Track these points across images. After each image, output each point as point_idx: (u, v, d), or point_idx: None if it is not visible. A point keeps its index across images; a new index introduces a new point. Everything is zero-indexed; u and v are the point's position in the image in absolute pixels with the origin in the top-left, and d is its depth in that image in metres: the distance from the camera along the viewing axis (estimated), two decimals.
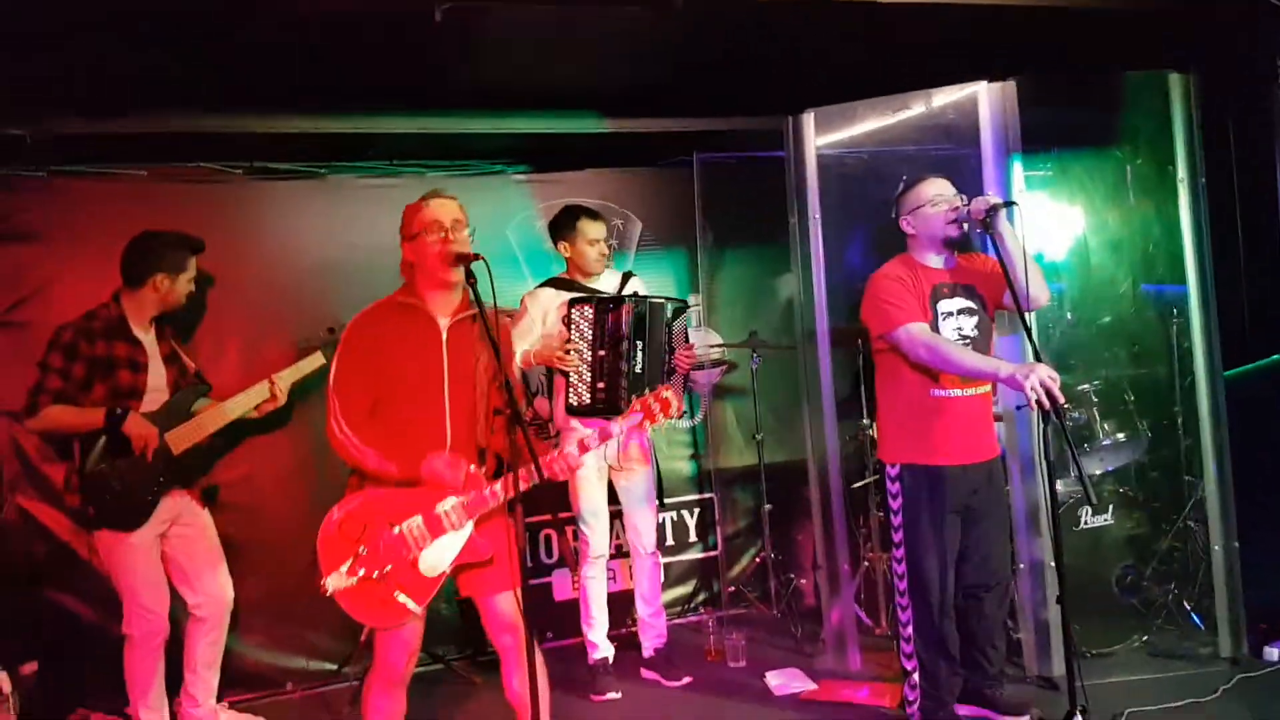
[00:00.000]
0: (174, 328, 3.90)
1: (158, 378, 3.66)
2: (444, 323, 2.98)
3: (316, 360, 3.99)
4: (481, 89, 4.31)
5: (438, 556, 2.85)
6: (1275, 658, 3.89)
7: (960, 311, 3.46)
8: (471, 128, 4.60)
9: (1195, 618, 4.14)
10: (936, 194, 3.43)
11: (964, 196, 3.41)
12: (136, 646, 3.64)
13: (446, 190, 3.06)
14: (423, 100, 4.38)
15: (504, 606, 2.95)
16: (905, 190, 3.52)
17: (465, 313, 3.01)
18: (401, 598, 2.83)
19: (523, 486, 2.74)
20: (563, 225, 4.25)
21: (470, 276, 2.83)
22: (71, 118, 3.96)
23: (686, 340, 4.33)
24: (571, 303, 4.08)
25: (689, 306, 4.42)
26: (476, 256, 2.84)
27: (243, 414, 3.78)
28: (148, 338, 3.70)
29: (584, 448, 2.89)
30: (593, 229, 4.20)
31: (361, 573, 2.82)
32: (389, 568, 2.83)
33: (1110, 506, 4.20)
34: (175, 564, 3.75)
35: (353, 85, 4.13)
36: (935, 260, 3.50)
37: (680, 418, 3.95)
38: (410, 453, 2.87)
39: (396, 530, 2.85)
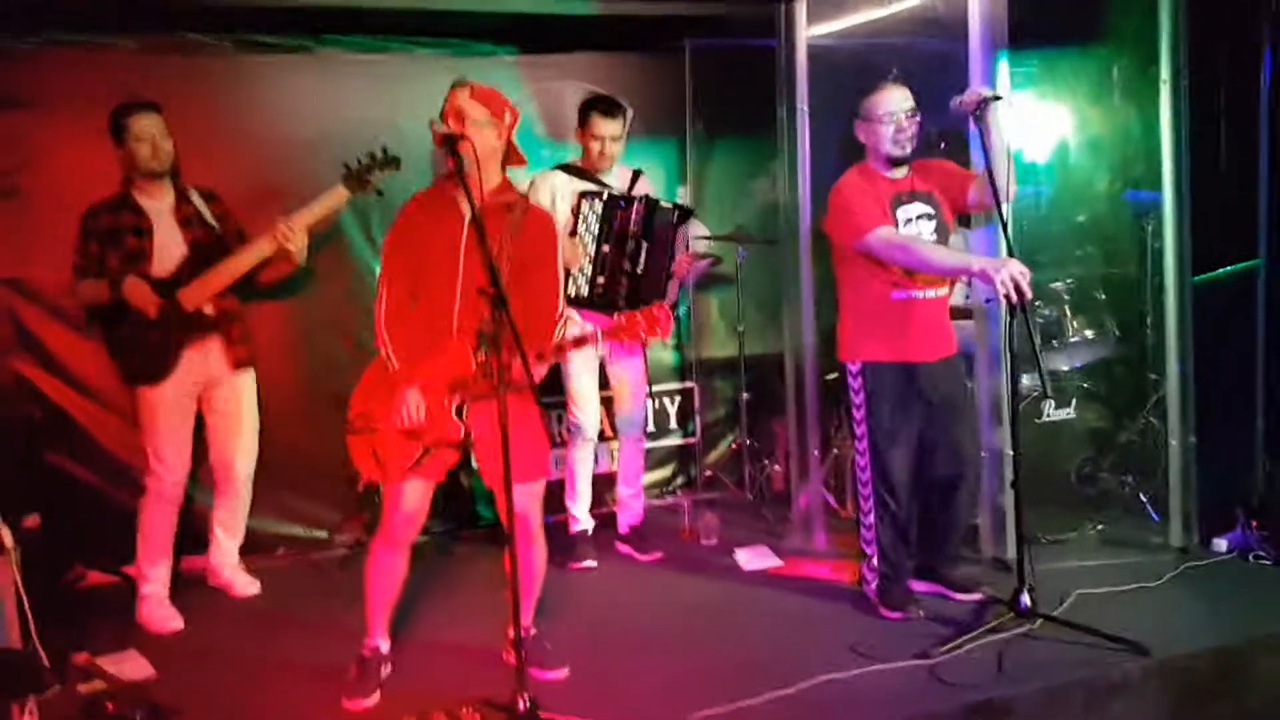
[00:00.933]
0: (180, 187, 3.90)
1: (170, 241, 3.77)
2: (469, 210, 2.96)
3: (336, 195, 3.84)
4: None
5: (420, 428, 2.96)
6: (1223, 549, 4.07)
7: (919, 217, 3.54)
8: (462, 5, 4.54)
9: (1150, 509, 4.32)
10: (887, 112, 3.46)
11: (917, 111, 3.45)
12: (149, 501, 3.83)
13: (431, 71, 3.09)
14: None
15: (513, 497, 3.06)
16: (868, 95, 3.55)
17: (496, 199, 3.03)
18: (380, 457, 2.98)
19: (509, 379, 2.80)
20: (580, 115, 4.24)
21: (454, 157, 2.85)
22: None
23: (688, 247, 4.39)
24: (582, 195, 4.13)
25: (693, 213, 4.46)
26: (461, 136, 2.87)
27: (247, 268, 3.80)
28: (160, 204, 3.79)
29: (564, 349, 2.98)
30: (601, 125, 4.16)
31: (363, 424, 3.00)
32: (382, 427, 2.98)
33: (1074, 401, 4.34)
34: (207, 424, 3.94)
35: None
36: (892, 169, 3.56)
37: (668, 336, 4.04)
38: (420, 338, 2.98)
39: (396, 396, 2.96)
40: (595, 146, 4.18)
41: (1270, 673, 3.26)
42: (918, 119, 3.47)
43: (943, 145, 3.67)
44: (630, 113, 4.22)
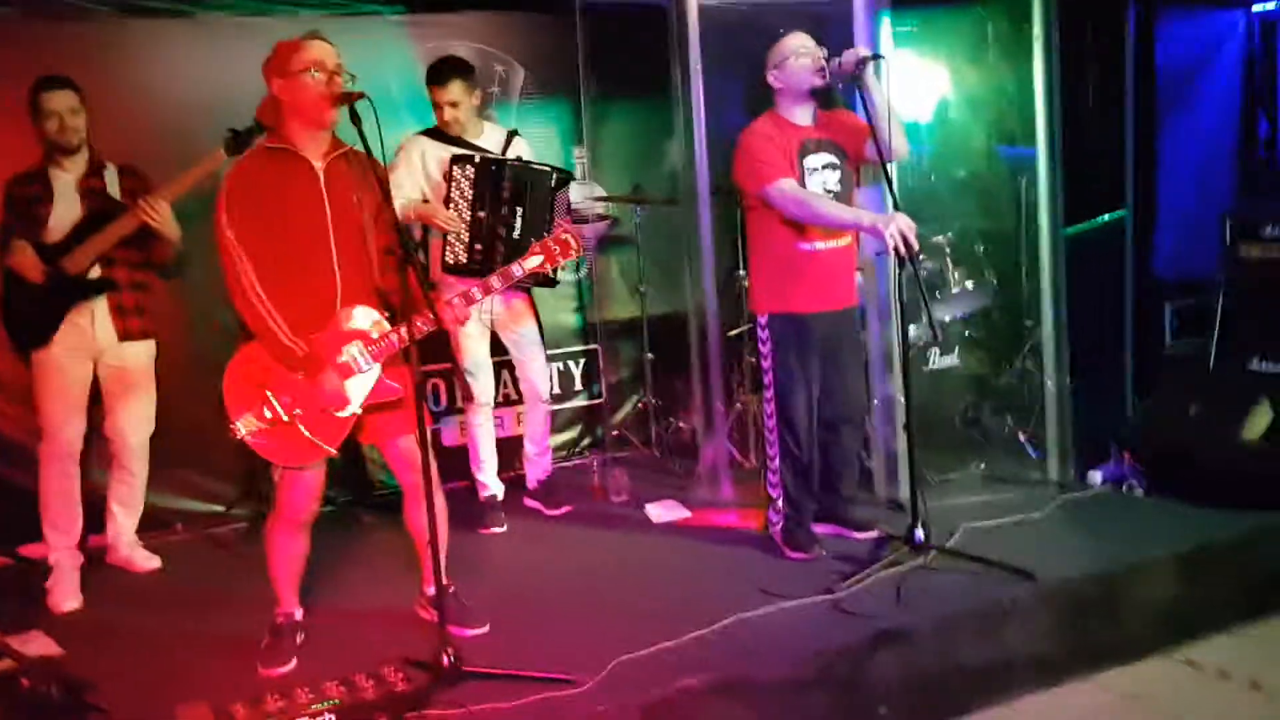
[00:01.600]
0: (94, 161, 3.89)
1: (68, 209, 3.78)
2: (319, 165, 2.97)
3: (215, 160, 3.77)
4: None
5: (348, 397, 2.93)
6: (1098, 481, 4.32)
7: (825, 166, 3.65)
8: None
9: (1029, 447, 4.57)
10: (799, 45, 3.57)
11: (825, 49, 3.55)
12: (42, 465, 3.83)
13: (322, 33, 3.04)
14: None
15: (405, 447, 3.05)
16: (773, 45, 3.64)
17: (336, 152, 3.00)
18: (313, 439, 2.91)
19: (420, 331, 2.86)
20: (430, 78, 4.15)
21: (355, 117, 2.84)
22: None
23: (569, 210, 4.39)
24: (454, 160, 4.06)
25: (572, 177, 4.45)
26: (361, 95, 2.85)
27: (120, 236, 3.78)
28: (67, 175, 3.82)
29: (470, 299, 2.97)
30: (437, 93, 4.08)
31: (270, 416, 2.89)
32: (299, 411, 2.90)
33: (957, 348, 4.55)
34: (102, 397, 3.93)
35: None
36: (802, 116, 3.65)
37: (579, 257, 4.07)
38: (302, 312, 2.89)
39: (301, 375, 2.90)
40: (436, 114, 4.14)
41: (1144, 594, 3.51)
42: (825, 53, 3.55)
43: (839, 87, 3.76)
44: (518, 75, 4.18)
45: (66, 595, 3.72)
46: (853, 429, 3.91)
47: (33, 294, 3.72)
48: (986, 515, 3.95)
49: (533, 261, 3.02)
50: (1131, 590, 3.50)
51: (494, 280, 3.02)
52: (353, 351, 2.91)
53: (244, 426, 2.89)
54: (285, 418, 2.89)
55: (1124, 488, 4.26)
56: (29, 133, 3.80)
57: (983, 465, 4.52)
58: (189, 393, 4.32)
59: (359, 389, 2.95)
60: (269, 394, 2.89)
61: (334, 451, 2.97)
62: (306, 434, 2.90)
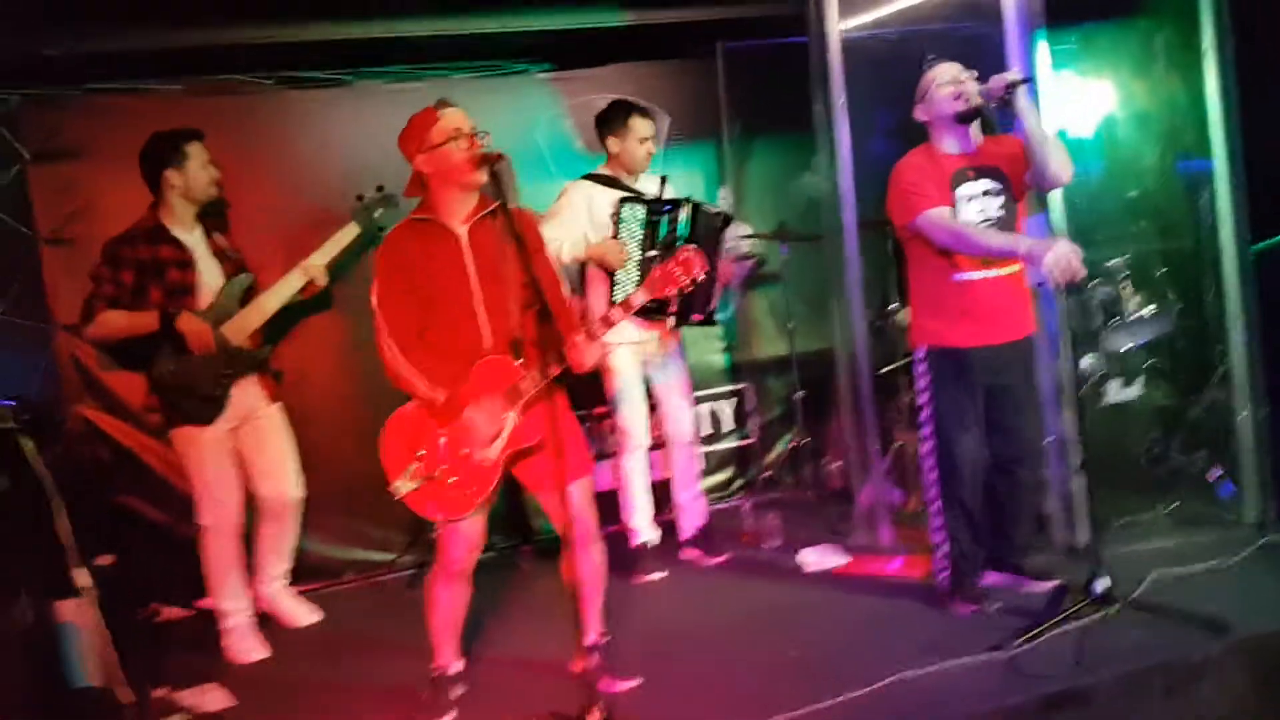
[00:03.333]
0: (218, 225, 4.02)
1: (210, 274, 3.81)
2: (462, 230, 3.04)
3: (351, 231, 4.11)
4: None
5: (490, 449, 2.99)
6: None
7: (984, 193, 3.48)
8: (490, 28, 4.59)
9: (1226, 484, 4.21)
10: (940, 75, 3.44)
11: (973, 72, 3.40)
12: (211, 537, 3.84)
13: (467, 94, 3.12)
14: (441, 2, 4.41)
15: (552, 501, 3.09)
16: (919, 80, 3.52)
17: (481, 213, 3.08)
18: (464, 491, 2.98)
19: (551, 373, 2.89)
20: (612, 120, 4.22)
21: (494, 178, 2.88)
22: (98, 33, 4.03)
23: (728, 252, 4.36)
24: (622, 200, 4.11)
25: (732, 219, 4.43)
26: (500, 156, 2.89)
27: (285, 302, 3.91)
28: (192, 237, 3.82)
29: (592, 335, 2.96)
30: (643, 126, 4.18)
31: (420, 471, 2.97)
32: (444, 466, 2.98)
33: (1139, 379, 4.25)
34: (246, 459, 3.93)
35: None
36: (953, 145, 3.50)
37: (703, 320, 4.02)
38: (453, 368, 2.98)
39: (446, 435, 2.99)
40: (641, 150, 4.18)
41: None
42: (975, 75, 3.41)
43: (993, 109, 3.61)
44: (665, 122, 4.22)
45: (252, 647, 3.82)
46: (1029, 470, 3.67)
47: (199, 366, 3.69)
48: (1176, 562, 3.65)
49: (655, 287, 2.98)
50: None
51: (614, 313, 3.00)
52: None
53: (401, 487, 2.98)
54: (435, 474, 2.97)
55: None
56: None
57: (1171, 506, 4.19)
58: (350, 437, 4.49)
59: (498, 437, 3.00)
60: (420, 453, 2.98)
61: (485, 500, 3.01)
62: (457, 487, 2.96)
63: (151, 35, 4.12)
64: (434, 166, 3.02)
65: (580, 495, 3.09)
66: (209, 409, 3.75)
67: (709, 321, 4.33)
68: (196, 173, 3.76)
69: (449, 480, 2.97)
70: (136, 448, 4.36)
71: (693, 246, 3.00)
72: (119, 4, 3.91)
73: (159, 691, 3.25)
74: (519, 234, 2.84)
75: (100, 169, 4.31)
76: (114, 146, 4.28)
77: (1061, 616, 3.25)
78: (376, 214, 4.16)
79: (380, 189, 4.22)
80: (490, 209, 3.08)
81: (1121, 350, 4.33)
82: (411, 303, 3.01)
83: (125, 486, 4.38)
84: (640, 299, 3.01)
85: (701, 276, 3.00)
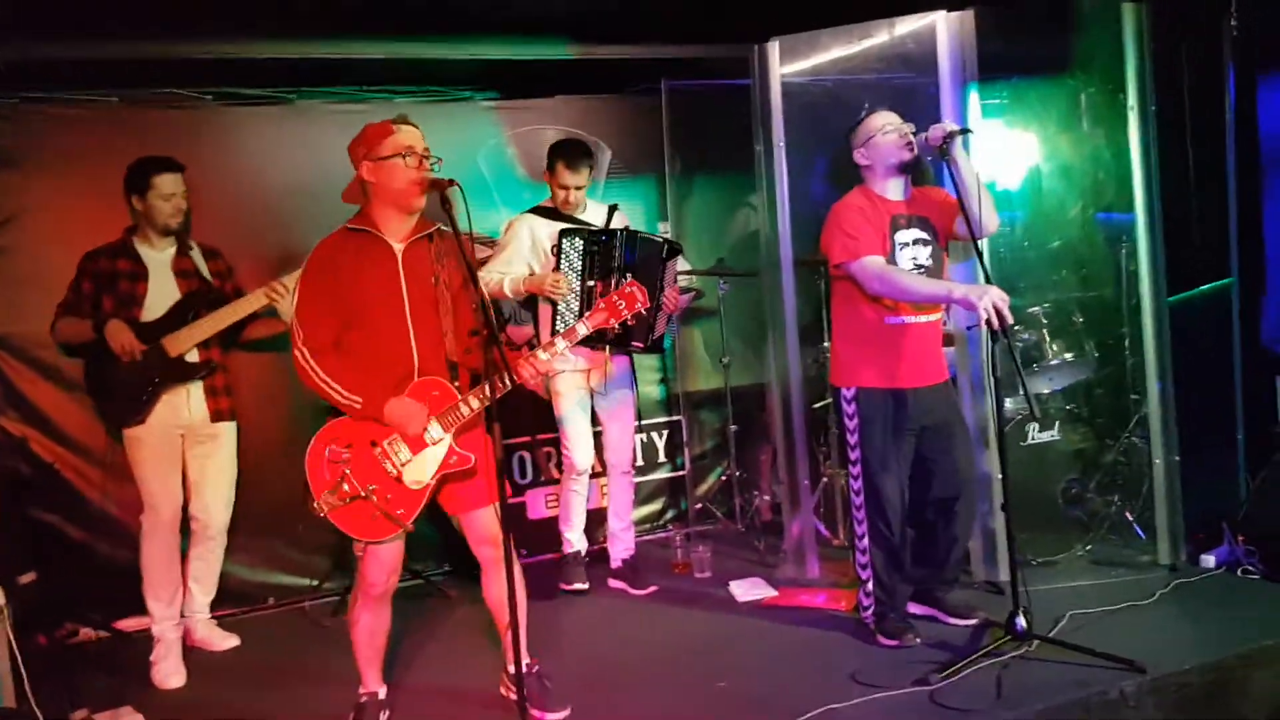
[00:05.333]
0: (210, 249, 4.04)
1: (163, 289, 3.86)
2: (399, 247, 3.03)
3: None
4: (448, 13, 4.33)
5: (420, 470, 2.97)
6: (1211, 564, 4.11)
7: (915, 241, 3.59)
8: (438, 54, 4.62)
9: (1137, 528, 4.36)
10: (885, 123, 3.54)
11: (912, 125, 3.52)
12: (144, 538, 3.87)
13: (411, 118, 3.10)
14: (389, 25, 4.40)
15: (484, 520, 3.08)
16: (855, 125, 3.62)
17: (419, 234, 3.07)
18: (389, 513, 2.95)
19: (497, 393, 2.89)
20: (549, 160, 4.31)
21: (446, 202, 2.88)
22: (40, 43, 3.96)
23: (674, 282, 4.43)
24: (562, 233, 4.17)
25: (681, 249, 4.49)
26: (451, 183, 2.90)
27: (235, 321, 3.89)
28: (159, 255, 3.89)
29: (549, 347, 2.98)
30: (569, 177, 4.22)
31: (347, 490, 2.93)
32: (374, 486, 2.94)
33: (1057, 423, 4.39)
34: (188, 472, 3.96)
35: (320, 10, 4.15)
36: (893, 191, 3.61)
37: (645, 348, 4.07)
38: (378, 382, 2.95)
39: (378, 449, 2.96)
40: (560, 195, 4.26)
41: (1265, 686, 3.29)
42: (913, 128, 3.52)
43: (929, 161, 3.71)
44: (605, 156, 4.27)
45: (172, 671, 3.77)
46: (966, 506, 3.73)
47: (127, 372, 3.75)
48: (1092, 601, 3.77)
49: (597, 318, 3.01)
50: (1249, 682, 3.28)
51: (558, 341, 3.01)
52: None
53: (324, 504, 2.94)
54: (362, 493, 2.93)
55: (1238, 571, 4.04)
56: (117, 209, 3.88)
57: (1088, 547, 4.33)
58: (280, 463, 4.41)
59: (431, 461, 2.98)
60: (347, 471, 2.95)
61: (409, 526, 2.99)
62: (382, 509, 2.94)
63: (92, 46, 4.05)
64: (377, 177, 3.00)
65: (492, 519, 3.05)
66: (132, 411, 3.79)
67: (654, 349, 4.41)
68: (156, 203, 3.82)
69: (378, 500, 2.94)
70: (57, 463, 4.26)
71: (635, 282, 3.03)
72: (58, 12, 3.83)
73: (78, 714, 3.16)
74: (469, 260, 2.85)
75: (32, 178, 4.23)
76: (46, 156, 4.23)
77: (983, 652, 3.33)
78: None
79: None
80: (428, 231, 3.08)
81: (1041, 394, 4.47)
82: (332, 310, 2.97)
83: (42, 502, 4.25)
84: (583, 330, 3.03)
85: (643, 310, 3.04)
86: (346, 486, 2.94)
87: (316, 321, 2.97)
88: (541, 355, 2.97)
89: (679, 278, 4.67)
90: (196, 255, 3.99)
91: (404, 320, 2.99)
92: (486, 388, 2.90)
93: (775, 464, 4.71)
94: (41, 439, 4.25)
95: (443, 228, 3.08)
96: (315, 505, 2.94)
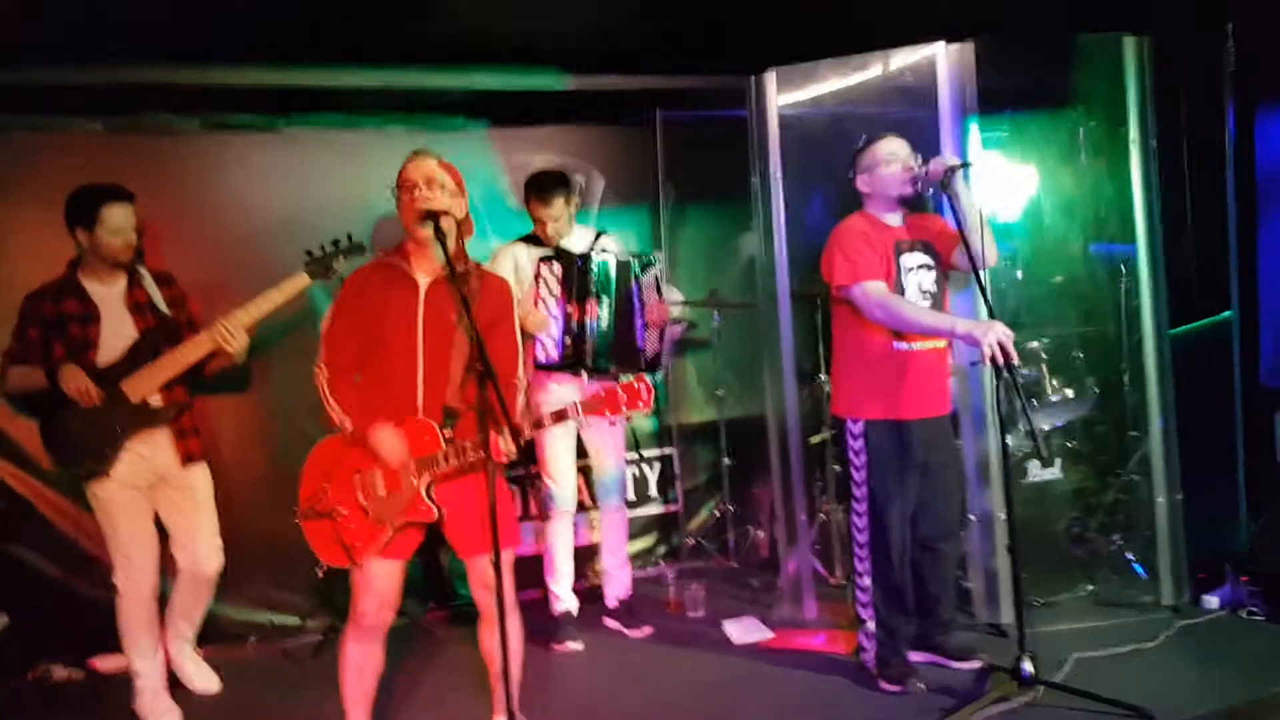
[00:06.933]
0: (163, 277, 3.80)
1: (119, 328, 3.63)
2: (423, 282, 2.98)
3: (297, 283, 3.74)
4: (441, 42, 4.27)
5: (387, 509, 2.91)
6: (1215, 605, 4.04)
7: (920, 267, 3.53)
8: (431, 83, 4.56)
9: (1139, 568, 4.29)
10: (889, 153, 3.49)
11: (919, 156, 3.47)
12: (123, 598, 3.66)
13: (401, 146, 3.05)
14: (381, 54, 4.34)
15: (481, 567, 2.97)
16: (860, 149, 3.57)
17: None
18: (346, 542, 2.92)
19: (469, 458, 2.81)
20: (525, 192, 4.25)
21: (439, 233, 2.82)
22: (21, 68, 3.88)
23: (659, 293, 4.36)
24: (540, 260, 4.15)
25: (655, 261, 4.43)
26: (444, 213, 2.85)
27: (189, 364, 3.65)
28: (109, 290, 3.65)
29: (539, 425, 2.91)
30: (541, 209, 4.16)
31: (323, 509, 2.94)
32: (344, 510, 2.93)
33: (1058, 460, 4.33)
34: (165, 523, 3.77)
35: (310, 37, 4.08)
36: (891, 219, 3.56)
37: (650, 409, 3.96)
38: (379, 412, 2.91)
39: (358, 477, 2.93)
40: (539, 227, 4.21)
41: None
42: (919, 159, 3.47)
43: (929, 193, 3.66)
44: (598, 184, 4.23)
45: (165, 710, 3.64)
46: (950, 547, 3.69)
47: (86, 422, 3.51)
48: (1096, 644, 3.70)
49: (594, 407, 2.84)
50: None
51: (547, 419, 2.89)
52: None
53: (303, 509, 2.98)
54: (329, 513, 2.94)
55: (1243, 612, 3.98)
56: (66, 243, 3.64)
57: (1090, 588, 4.26)
58: (264, 500, 4.31)
59: (401, 504, 2.91)
60: (326, 488, 2.96)
61: (355, 562, 2.93)
62: (341, 535, 2.93)
63: (76, 72, 3.97)
64: (400, 213, 2.97)
65: (485, 567, 2.93)
66: (95, 463, 3.56)
67: (651, 369, 4.33)
68: (105, 238, 3.57)
69: (340, 524, 2.92)
70: (33, 497, 4.13)
71: (642, 378, 2.84)
72: (41, 37, 3.75)
73: None
74: (465, 297, 2.77)
75: (9, 206, 4.14)
76: (26, 184, 4.14)
77: (988, 699, 3.24)
78: (337, 263, 3.80)
79: (349, 237, 3.84)
80: (465, 268, 3.02)
81: (1041, 431, 4.41)
82: (352, 338, 2.99)
83: (15, 537, 4.12)
84: (574, 413, 2.85)
85: (647, 407, 2.86)
86: (320, 504, 2.96)
87: (335, 345, 3.00)
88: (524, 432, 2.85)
89: (673, 307, 4.60)
90: (149, 284, 3.73)
91: (414, 357, 2.95)
92: (467, 448, 2.82)
93: (772, 500, 4.61)
94: (16, 472, 4.12)
95: (473, 268, 3.06)
96: (304, 503, 2.97)
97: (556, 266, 4.13)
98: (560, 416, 2.87)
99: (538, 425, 2.92)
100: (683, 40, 4.49)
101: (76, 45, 3.85)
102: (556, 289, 4.12)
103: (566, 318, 4.11)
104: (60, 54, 3.89)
